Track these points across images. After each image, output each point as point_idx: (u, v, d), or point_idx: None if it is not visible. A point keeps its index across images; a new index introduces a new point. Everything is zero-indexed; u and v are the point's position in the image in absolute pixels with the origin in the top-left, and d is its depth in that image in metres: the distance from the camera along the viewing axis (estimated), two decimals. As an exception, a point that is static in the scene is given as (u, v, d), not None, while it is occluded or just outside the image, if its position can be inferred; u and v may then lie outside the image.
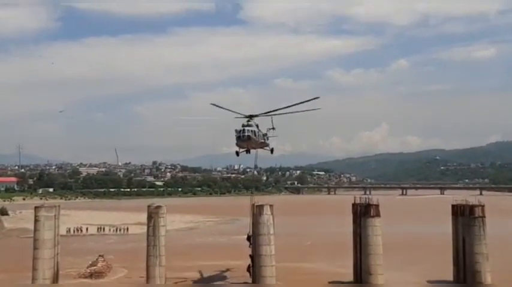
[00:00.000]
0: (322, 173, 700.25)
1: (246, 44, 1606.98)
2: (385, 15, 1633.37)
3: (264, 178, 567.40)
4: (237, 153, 72.08)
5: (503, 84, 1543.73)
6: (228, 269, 79.72)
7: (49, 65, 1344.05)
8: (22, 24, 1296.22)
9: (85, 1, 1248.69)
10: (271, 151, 75.65)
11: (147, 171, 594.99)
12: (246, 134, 67.15)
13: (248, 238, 67.79)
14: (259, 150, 74.74)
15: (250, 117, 68.89)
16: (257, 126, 69.85)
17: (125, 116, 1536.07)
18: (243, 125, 67.97)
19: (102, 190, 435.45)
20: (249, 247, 66.92)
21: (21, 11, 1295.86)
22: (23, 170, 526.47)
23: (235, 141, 68.58)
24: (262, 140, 71.66)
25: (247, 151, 72.32)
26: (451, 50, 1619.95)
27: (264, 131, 72.58)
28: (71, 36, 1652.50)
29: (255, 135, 68.32)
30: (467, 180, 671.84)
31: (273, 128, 74.16)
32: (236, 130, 67.89)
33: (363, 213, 63.85)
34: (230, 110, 67.26)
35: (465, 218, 62.21)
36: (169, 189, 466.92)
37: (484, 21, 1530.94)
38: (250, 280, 64.83)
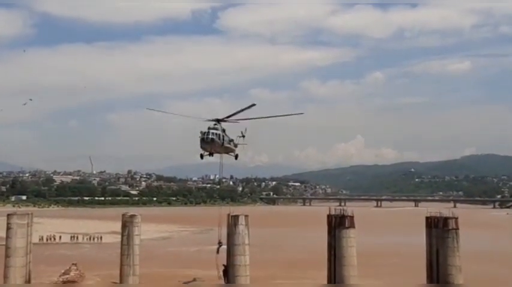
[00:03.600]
0: (298, 184, 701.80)
1: (222, 54, 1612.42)
2: (361, 27, 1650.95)
3: (240, 188, 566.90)
4: (201, 156, 71.92)
5: (477, 98, 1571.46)
6: (194, 279, 79.43)
7: (22, 71, 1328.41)
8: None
9: (60, 8, 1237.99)
10: (236, 156, 75.76)
11: (121, 180, 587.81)
12: (210, 136, 67.45)
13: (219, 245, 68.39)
14: (233, 161, 74.99)
15: (218, 121, 69.24)
16: (224, 131, 70.22)
17: (99, 125, 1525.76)
18: (209, 128, 68.23)
19: (76, 198, 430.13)
20: (217, 253, 67.64)
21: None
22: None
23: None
24: (228, 145, 71.82)
25: (211, 154, 72.15)
26: (426, 63, 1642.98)
27: (232, 137, 72.92)
28: (45, 43, 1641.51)
29: (219, 138, 68.56)
30: (441, 193, 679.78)
31: (243, 136, 74.63)
32: (201, 132, 68.07)
33: (337, 224, 63.83)
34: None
35: (439, 230, 62.49)
36: (144, 198, 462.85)
37: (458, 35, 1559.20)
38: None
